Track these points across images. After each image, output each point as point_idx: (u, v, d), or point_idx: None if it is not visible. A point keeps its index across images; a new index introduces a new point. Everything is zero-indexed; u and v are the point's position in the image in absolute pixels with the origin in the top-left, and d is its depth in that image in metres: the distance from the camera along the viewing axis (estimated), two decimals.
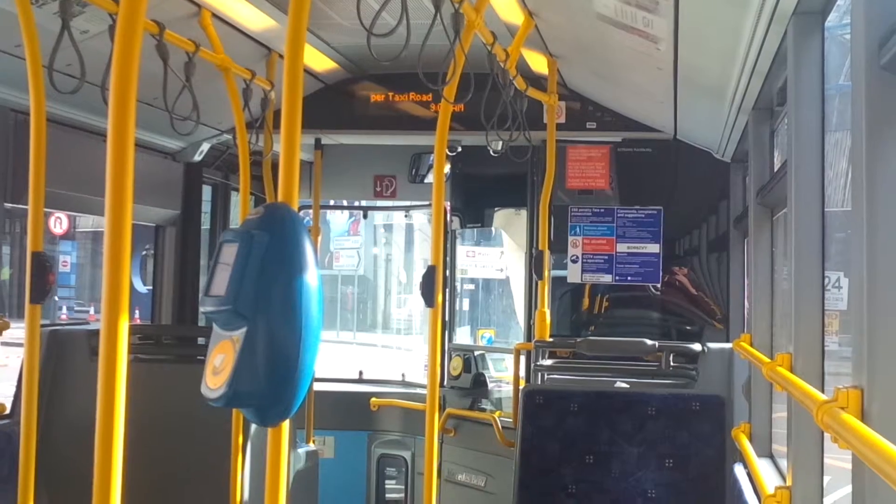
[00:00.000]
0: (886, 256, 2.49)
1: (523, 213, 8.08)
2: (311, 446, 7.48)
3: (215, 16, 5.70)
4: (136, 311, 9.55)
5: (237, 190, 7.67)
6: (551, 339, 6.97)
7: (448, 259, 8.64)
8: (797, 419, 3.78)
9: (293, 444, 6.52)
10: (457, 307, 9.29)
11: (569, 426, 5.99)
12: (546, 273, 6.98)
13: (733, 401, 5.89)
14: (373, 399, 8.78)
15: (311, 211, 8.51)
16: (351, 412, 8.84)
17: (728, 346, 6.07)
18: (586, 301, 7.84)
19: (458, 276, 9.13)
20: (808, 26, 3.63)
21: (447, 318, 8.57)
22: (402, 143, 8.32)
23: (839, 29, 3.83)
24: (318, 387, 8.12)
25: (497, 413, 7.56)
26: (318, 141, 8.30)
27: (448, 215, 8.52)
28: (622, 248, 7.57)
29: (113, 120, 2.46)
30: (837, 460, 3.77)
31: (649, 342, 6.26)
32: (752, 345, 5.18)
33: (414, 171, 8.84)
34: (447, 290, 8.49)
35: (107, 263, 2.44)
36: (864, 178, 2.51)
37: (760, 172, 5.36)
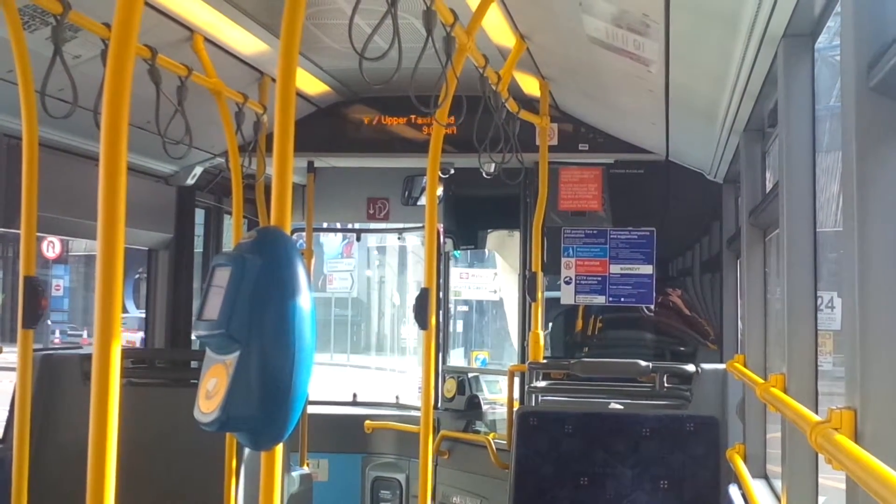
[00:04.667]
0: (878, 276, 2.50)
1: (516, 234, 8.09)
2: (305, 469, 7.46)
3: (207, 40, 5.72)
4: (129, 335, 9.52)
5: (230, 213, 7.67)
6: (545, 361, 6.96)
7: (441, 281, 8.64)
8: (791, 440, 3.78)
9: (287, 468, 6.50)
10: (450, 329, 9.28)
11: (563, 448, 5.98)
12: (539, 295, 6.99)
13: (727, 422, 5.88)
14: (367, 421, 8.77)
15: (304, 234, 8.51)
16: (345, 435, 8.82)
17: (722, 366, 6.07)
18: (580, 322, 7.85)
19: (452, 297, 9.13)
20: (799, 48, 3.65)
21: (441, 341, 8.56)
22: (394, 166, 8.33)
23: (829, 51, 3.85)
24: (311, 409, 8.10)
25: (491, 435, 7.55)
26: (310, 164, 8.31)
27: (441, 237, 8.52)
28: (615, 269, 7.57)
29: (105, 144, 2.46)
30: (832, 481, 3.77)
31: (643, 363, 6.26)
32: (745, 365, 5.18)
33: (407, 193, 8.85)
34: (441, 312, 8.49)
35: (99, 287, 2.44)
36: (855, 198, 2.52)
37: (752, 193, 5.38)
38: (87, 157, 6.32)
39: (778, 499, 4.57)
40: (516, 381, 7.13)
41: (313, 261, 8.64)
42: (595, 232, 7.63)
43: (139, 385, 6.15)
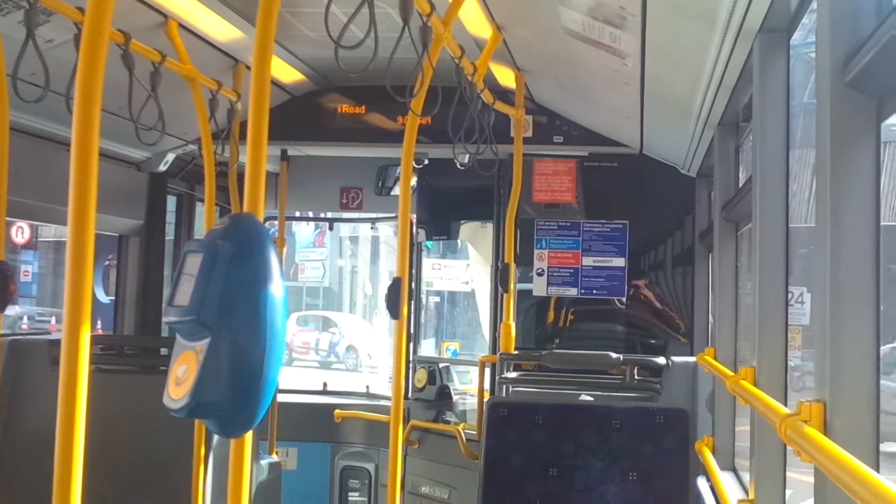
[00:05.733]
0: (849, 272, 2.51)
1: (489, 226, 8.08)
2: (274, 458, 7.45)
3: (182, 26, 5.68)
4: (99, 322, 9.47)
5: (202, 201, 7.64)
6: (516, 352, 6.97)
7: (414, 271, 8.63)
8: (760, 433, 3.80)
9: (256, 456, 6.48)
10: (422, 319, 9.28)
11: (533, 439, 5.99)
12: (512, 286, 6.99)
13: (697, 414, 5.91)
14: (337, 411, 8.75)
15: (276, 222, 8.48)
16: (314, 424, 8.81)
17: (692, 359, 6.09)
18: (551, 314, 7.86)
19: (424, 288, 9.12)
20: (774, 44, 3.67)
21: (412, 331, 8.56)
22: (368, 156, 8.31)
23: (804, 47, 3.87)
24: (281, 398, 8.08)
25: (461, 425, 7.55)
26: (284, 152, 8.28)
27: (414, 228, 8.51)
28: (588, 261, 7.59)
29: (77, 129, 2.44)
30: (799, 474, 3.79)
31: (614, 355, 6.27)
32: (716, 358, 5.21)
33: (380, 183, 8.83)
34: (413, 302, 8.48)
35: (69, 273, 2.42)
36: (828, 195, 2.53)
37: (725, 188, 5.40)
38: (59, 142, 6.27)
39: (746, 491, 4.60)
40: (487, 371, 7.13)
41: (285, 249, 8.62)
42: (568, 224, 7.64)
43: (108, 371, 6.11)
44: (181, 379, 2.60)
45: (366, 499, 8.86)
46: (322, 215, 11.11)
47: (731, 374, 4.35)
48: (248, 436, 2.77)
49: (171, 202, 8.34)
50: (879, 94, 2.48)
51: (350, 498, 8.97)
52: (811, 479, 2.77)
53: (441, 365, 8.59)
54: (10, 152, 4.35)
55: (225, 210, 8.28)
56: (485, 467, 6.03)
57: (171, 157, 7.70)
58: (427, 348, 9.55)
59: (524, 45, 6.14)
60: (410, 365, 8.37)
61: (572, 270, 7.60)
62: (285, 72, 7.14)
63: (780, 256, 3.72)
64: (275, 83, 7.17)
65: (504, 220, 7.20)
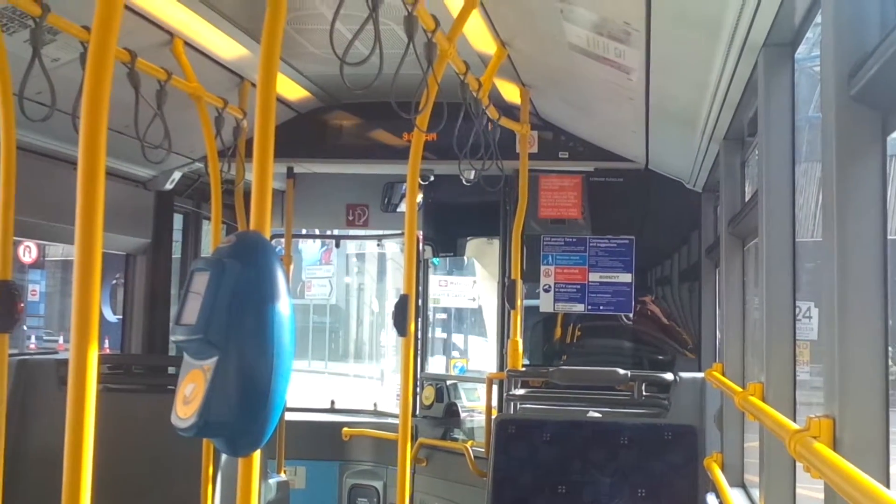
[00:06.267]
0: (856, 286, 2.50)
1: (496, 242, 8.08)
2: (282, 476, 7.43)
3: (187, 44, 5.69)
4: (106, 341, 9.47)
5: (209, 219, 7.64)
6: (524, 369, 6.95)
7: (421, 288, 8.63)
8: (769, 448, 3.79)
9: (264, 475, 6.47)
10: (429, 336, 9.27)
11: (541, 456, 5.97)
12: (518, 302, 6.98)
13: (705, 430, 5.89)
14: (344, 429, 8.74)
15: (283, 240, 8.49)
16: (322, 442, 8.80)
17: (700, 375, 6.08)
18: (559, 330, 7.84)
19: (431, 305, 9.11)
20: (779, 57, 3.67)
21: (420, 348, 8.55)
22: (374, 172, 8.32)
23: (808, 61, 3.87)
24: (289, 416, 8.08)
25: (469, 443, 7.54)
26: (290, 169, 8.29)
27: (420, 244, 8.51)
28: (594, 277, 7.58)
29: (84, 148, 2.44)
30: (808, 490, 3.77)
31: (621, 371, 6.26)
32: (723, 374, 5.19)
33: (386, 199, 8.84)
34: (420, 319, 8.48)
35: (76, 292, 2.42)
36: (834, 209, 2.52)
37: (731, 202, 5.39)
38: (66, 161, 6.28)
39: None
40: (495, 388, 7.12)
41: (292, 267, 8.62)
42: (574, 240, 7.64)
43: (116, 391, 6.11)
44: (189, 398, 2.60)
45: None
46: (328, 233, 11.11)
47: (740, 389, 4.33)
48: (257, 455, 2.76)
49: (178, 220, 8.35)
50: (885, 107, 2.48)
51: None
52: (821, 496, 2.76)
53: (449, 382, 8.58)
54: (17, 171, 4.36)
55: (231, 228, 8.28)
56: (493, 485, 6.00)
57: (177, 175, 7.71)
58: (435, 365, 9.54)
59: (529, 60, 6.15)
60: (418, 382, 8.36)
61: (579, 286, 7.59)
62: (291, 89, 7.15)
63: (787, 271, 3.71)
64: (280, 100, 7.19)
65: (510, 237, 7.20)
